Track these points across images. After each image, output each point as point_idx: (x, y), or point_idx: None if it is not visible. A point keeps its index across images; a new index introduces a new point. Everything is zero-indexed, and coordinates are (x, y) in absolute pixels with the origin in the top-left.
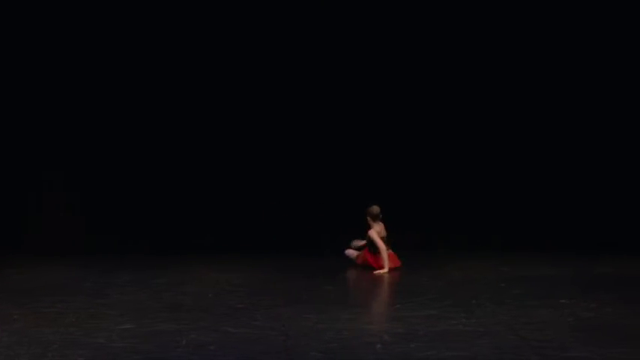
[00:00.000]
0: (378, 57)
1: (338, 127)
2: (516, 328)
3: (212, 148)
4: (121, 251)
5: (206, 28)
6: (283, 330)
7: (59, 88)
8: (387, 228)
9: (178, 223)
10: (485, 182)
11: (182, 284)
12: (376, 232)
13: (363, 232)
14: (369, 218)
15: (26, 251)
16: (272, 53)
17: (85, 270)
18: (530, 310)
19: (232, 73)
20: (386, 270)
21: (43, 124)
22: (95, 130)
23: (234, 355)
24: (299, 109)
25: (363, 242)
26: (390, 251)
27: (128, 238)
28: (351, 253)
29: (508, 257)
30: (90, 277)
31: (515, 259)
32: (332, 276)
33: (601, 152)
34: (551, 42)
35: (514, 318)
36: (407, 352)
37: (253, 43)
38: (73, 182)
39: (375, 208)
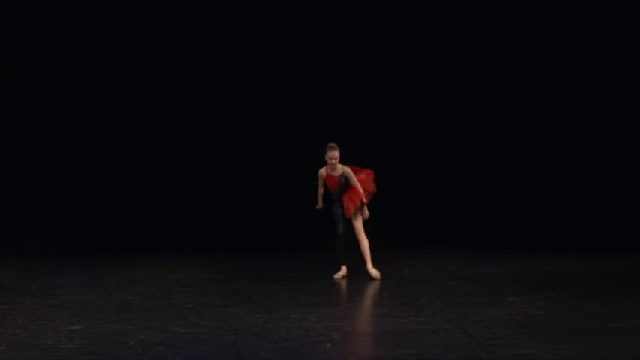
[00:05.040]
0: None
1: (294, 129)
2: (465, 326)
3: (160, 146)
4: (69, 251)
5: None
6: (232, 330)
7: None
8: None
9: (127, 223)
10: (430, 180)
11: (131, 284)
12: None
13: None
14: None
15: None
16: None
17: (33, 270)
18: (479, 307)
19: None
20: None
21: None
22: (45, 129)
23: (184, 355)
24: (258, 108)
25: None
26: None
27: (76, 237)
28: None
29: (456, 255)
30: (38, 277)
31: (463, 257)
32: (281, 275)
33: (544, 151)
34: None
35: (463, 316)
36: (356, 351)
37: (217, 44)
38: (20, 181)
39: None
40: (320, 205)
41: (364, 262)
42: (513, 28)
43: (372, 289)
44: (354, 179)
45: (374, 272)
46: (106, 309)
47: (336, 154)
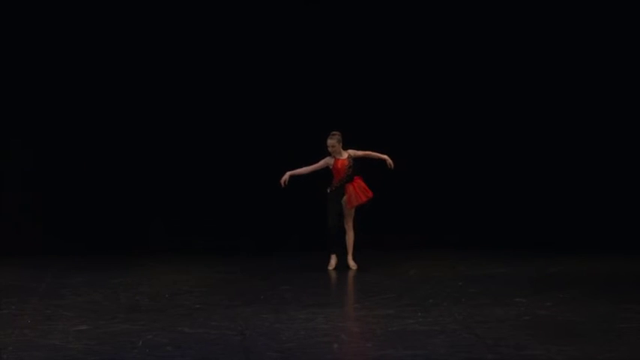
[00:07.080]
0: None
1: (303, 129)
2: (472, 326)
3: (168, 146)
4: (76, 252)
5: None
6: (240, 330)
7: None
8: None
9: (135, 223)
10: (436, 180)
11: (138, 285)
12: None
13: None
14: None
15: None
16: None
17: (40, 271)
18: (486, 308)
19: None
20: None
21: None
22: (52, 129)
23: (191, 355)
24: (263, 109)
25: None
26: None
27: (83, 238)
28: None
29: (463, 256)
30: (45, 278)
31: (470, 258)
32: (289, 276)
33: (552, 153)
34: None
35: (470, 317)
36: (364, 352)
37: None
38: (29, 182)
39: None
40: (285, 180)
41: (346, 253)
42: (513, 28)
43: (378, 289)
44: (359, 153)
45: (352, 264)
46: (114, 309)
47: (333, 142)
